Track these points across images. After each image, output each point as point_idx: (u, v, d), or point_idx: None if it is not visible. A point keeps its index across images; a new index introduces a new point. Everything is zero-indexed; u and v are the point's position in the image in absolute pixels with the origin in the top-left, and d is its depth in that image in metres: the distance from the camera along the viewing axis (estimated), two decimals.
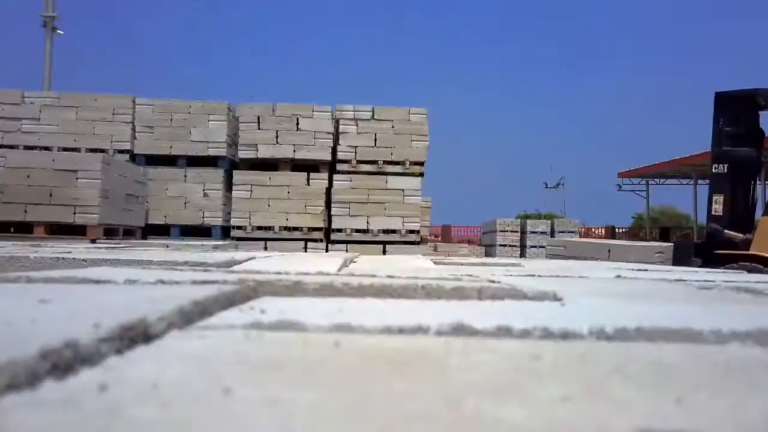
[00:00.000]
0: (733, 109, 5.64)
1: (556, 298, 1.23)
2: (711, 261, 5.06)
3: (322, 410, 0.44)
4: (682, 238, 5.96)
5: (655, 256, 5.21)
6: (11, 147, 7.74)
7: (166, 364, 0.56)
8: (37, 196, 6.19)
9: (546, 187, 33.49)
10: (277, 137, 8.18)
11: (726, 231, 5.43)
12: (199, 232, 8.23)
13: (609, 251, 5.27)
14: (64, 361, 0.56)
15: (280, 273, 1.57)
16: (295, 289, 1.28)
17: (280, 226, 8.05)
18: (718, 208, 5.54)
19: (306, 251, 7.70)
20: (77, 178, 6.25)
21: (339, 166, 8.23)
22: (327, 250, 7.73)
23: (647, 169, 23.78)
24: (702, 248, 5.53)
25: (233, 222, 8.13)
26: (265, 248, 7.60)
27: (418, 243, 8.11)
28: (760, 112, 5.77)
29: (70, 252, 2.54)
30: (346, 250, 7.07)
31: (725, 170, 5.55)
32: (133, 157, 8.32)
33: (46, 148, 7.92)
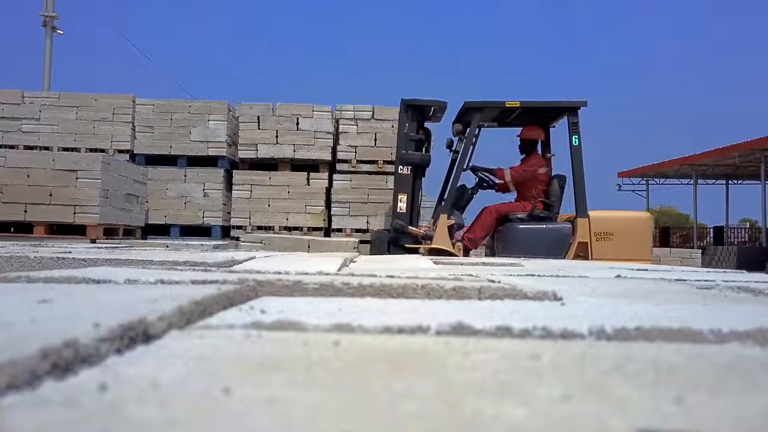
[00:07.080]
0: (417, 116, 6.38)
1: (555, 297, 1.23)
2: (398, 252, 5.97)
3: (322, 410, 0.44)
4: (378, 233, 6.82)
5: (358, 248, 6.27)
6: (11, 147, 7.74)
7: (165, 363, 0.57)
8: (37, 196, 6.19)
9: None
10: (277, 137, 8.17)
11: (410, 227, 6.23)
12: (199, 231, 8.23)
13: (308, 245, 5.97)
14: (64, 361, 0.56)
15: (280, 273, 1.57)
16: (294, 288, 1.28)
17: (280, 226, 8.05)
18: (402, 206, 6.30)
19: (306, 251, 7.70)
20: (77, 178, 6.25)
21: (339, 166, 8.22)
22: None
23: (647, 168, 23.74)
24: (390, 241, 6.30)
25: (233, 222, 8.13)
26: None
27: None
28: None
29: (70, 252, 2.54)
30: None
31: (408, 172, 6.32)
32: (133, 157, 8.31)
33: (46, 148, 7.91)
